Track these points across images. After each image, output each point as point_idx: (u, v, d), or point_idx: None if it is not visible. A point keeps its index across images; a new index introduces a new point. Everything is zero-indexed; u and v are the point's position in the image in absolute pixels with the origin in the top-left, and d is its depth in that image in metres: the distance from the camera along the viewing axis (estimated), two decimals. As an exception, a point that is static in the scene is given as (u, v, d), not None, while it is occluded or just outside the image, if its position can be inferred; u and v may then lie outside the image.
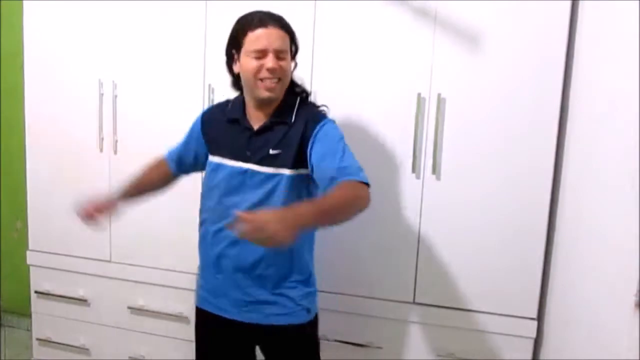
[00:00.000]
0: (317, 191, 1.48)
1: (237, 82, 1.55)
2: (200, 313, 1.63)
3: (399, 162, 1.83)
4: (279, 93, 1.48)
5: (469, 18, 1.73)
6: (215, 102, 1.96)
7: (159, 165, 1.74)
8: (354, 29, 1.83)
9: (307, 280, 1.57)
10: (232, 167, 1.51)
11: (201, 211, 1.61)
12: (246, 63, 1.44)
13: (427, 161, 1.81)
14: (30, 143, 2.23)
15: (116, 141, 2.11)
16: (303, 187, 1.50)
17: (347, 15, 1.83)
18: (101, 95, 2.10)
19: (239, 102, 1.55)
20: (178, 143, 1.72)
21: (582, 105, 1.57)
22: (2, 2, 2.52)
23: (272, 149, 1.47)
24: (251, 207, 1.45)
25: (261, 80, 1.44)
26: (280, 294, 1.52)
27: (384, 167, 1.85)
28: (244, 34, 1.43)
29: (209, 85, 1.96)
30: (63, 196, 2.21)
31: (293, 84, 1.55)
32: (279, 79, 1.45)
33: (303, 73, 1.84)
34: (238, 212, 1.22)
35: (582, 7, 1.64)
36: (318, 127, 1.45)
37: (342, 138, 1.46)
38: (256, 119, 1.51)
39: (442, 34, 1.75)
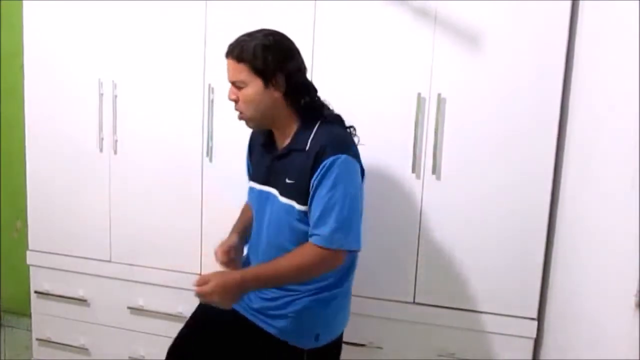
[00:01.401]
0: None
1: None
2: None
3: (399, 162, 1.83)
4: (253, 124, 1.46)
5: (469, 18, 1.73)
6: (215, 102, 1.97)
7: (248, 207, 1.69)
8: (354, 29, 1.83)
9: (329, 302, 1.47)
10: (260, 191, 1.52)
11: None
12: None
13: (427, 161, 1.81)
14: (30, 143, 2.23)
15: (116, 141, 2.11)
16: None
17: (347, 15, 1.83)
18: (101, 95, 2.10)
19: None
20: None
21: (582, 105, 1.57)
22: (2, 2, 2.52)
23: (289, 179, 1.42)
24: (272, 234, 1.47)
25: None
26: (293, 310, 1.46)
27: (384, 167, 1.85)
28: None
29: (209, 85, 1.96)
30: (63, 196, 2.21)
31: (305, 105, 1.45)
32: (243, 110, 1.43)
33: (303, 73, 1.85)
34: (193, 281, 1.35)
35: (582, 7, 1.64)
36: (322, 166, 1.36)
37: (340, 186, 1.35)
38: (281, 142, 1.48)
39: (442, 34, 1.75)
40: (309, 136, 1.41)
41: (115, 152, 2.12)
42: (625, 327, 1.03)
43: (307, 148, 1.40)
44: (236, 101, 1.43)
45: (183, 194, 2.06)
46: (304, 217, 1.42)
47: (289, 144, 1.44)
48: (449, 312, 1.86)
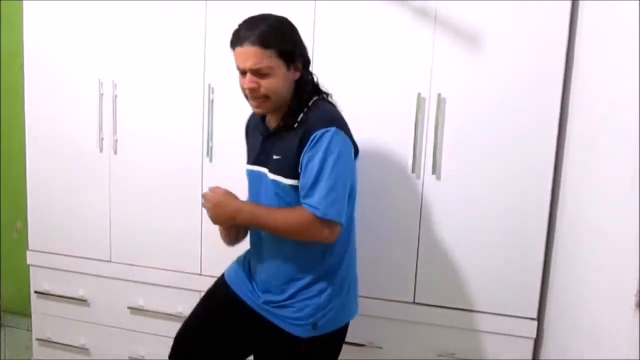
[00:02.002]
0: None
1: None
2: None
3: (399, 162, 1.83)
4: (272, 108, 1.43)
5: (469, 18, 1.73)
6: (215, 102, 1.97)
7: None
8: (354, 29, 1.83)
9: (323, 290, 1.47)
10: (252, 171, 1.53)
11: None
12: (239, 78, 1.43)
13: (427, 161, 1.81)
14: (30, 143, 2.23)
15: (116, 141, 2.11)
16: None
17: (347, 15, 1.83)
18: (101, 95, 2.10)
19: None
20: None
21: (582, 104, 1.57)
22: (2, 2, 2.52)
23: (275, 154, 1.44)
24: None
25: (248, 97, 1.43)
26: (293, 296, 1.48)
27: (384, 167, 1.84)
28: (233, 50, 1.41)
29: (209, 85, 1.96)
30: (63, 196, 2.21)
31: (302, 88, 1.45)
32: (266, 97, 1.40)
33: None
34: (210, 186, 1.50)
35: (582, 7, 1.64)
36: (313, 138, 1.36)
37: (334, 155, 1.35)
38: (273, 122, 1.49)
39: (442, 34, 1.75)
40: (300, 114, 1.42)
41: (115, 152, 2.12)
42: (625, 327, 1.03)
43: (296, 125, 1.41)
44: (255, 89, 1.39)
45: (183, 194, 2.06)
46: (291, 191, 1.42)
47: (280, 122, 1.45)
48: (449, 312, 1.86)
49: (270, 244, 1.51)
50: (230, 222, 1.47)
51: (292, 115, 1.43)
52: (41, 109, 2.20)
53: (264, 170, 1.47)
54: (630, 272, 1.03)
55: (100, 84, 2.10)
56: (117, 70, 2.08)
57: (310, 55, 1.83)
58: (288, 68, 1.40)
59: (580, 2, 1.65)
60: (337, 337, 1.55)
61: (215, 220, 1.48)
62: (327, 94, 1.51)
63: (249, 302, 1.57)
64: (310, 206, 1.36)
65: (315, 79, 1.50)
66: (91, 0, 2.06)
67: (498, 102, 1.75)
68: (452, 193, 1.81)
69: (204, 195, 1.49)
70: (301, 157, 1.38)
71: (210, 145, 1.99)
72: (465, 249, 1.83)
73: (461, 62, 1.75)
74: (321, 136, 1.35)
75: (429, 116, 1.79)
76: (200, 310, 1.67)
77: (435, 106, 1.77)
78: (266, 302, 1.52)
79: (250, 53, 1.35)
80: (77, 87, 2.13)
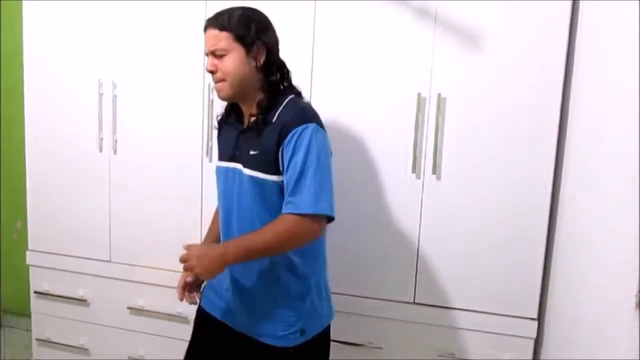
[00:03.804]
0: None
1: None
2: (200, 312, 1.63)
3: (399, 162, 1.83)
4: (232, 93, 1.44)
5: (469, 18, 1.73)
6: (215, 102, 1.97)
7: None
8: (354, 29, 1.83)
9: (305, 295, 1.47)
10: (225, 168, 1.50)
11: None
12: None
13: (427, 161, 1.81)
14: (30, 143, 2.23)
15: (116, 141, 2.11)
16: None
17: (347, 16, 1.83)
18: (101, 95, 2.10)
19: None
20: None
21: (583, 105, 1.57)
22: (2, 2, 2.52)
23: (252, 150, 1.41)
24: (242, 209, 1.45)
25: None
26: (273, 312, 1.46)
27: (384, 167, 1.84)
28: None
29: (209, 85, 1.96)
30: (63, 196, 2.21)
31: (269, 77, 1.44)
32: (223, 79, 1.42)
33: (303, 73, 1.84)
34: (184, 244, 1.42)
35: (582, 7, 1.64)
36: (291, 134, 1.36)
37: (313, 153, 1.34)
38: (247, 117, 1.48)
39: (442, 34, 1.75)
40: (277, 110, 1.41)
41: (115, 152, 2.12)
42: (625, 327, 1.03)
43: (274, 120, 1.40)
44: (214, 72, 1.43)
45: (183, 194, 2.06)
46: (275, 189, 1.40)
47: (256, 117, 1.43)
48: (449, 312, 1.86)
49: (246, 229, 1.45)
50: (223, 265, 1.37)
51: (268, 110, 1.42)
52: (41, 109, 2.20)
53: (239, 166, 1.44)
54: (630, 272, 1.03)
55: (100, 84, 2.10)
56: (117, 70, 2.08)
57: (310, 55, 1.84)
58: (247, 52, 1.41)
59: (580, 2, 1.65)
60: (324, 338, 1.54)
61: (207, 271, 1.37)
62: (300, 93, 1.51)
63: (229, 324, 1.54)
64: (293, 204, 1.34)
65: (289, 76, 1.50)
66: (91, 0, 2.06)
67: (498, 102, 1.75)
68: (452, 193, 1.81)
69: (181, 259, 1.41)
70: (280, 152, 1.37)
71: (210, 145, 1.99)
72: (465, 248, 1.83)
73: (461, 62, 1.75)
74: (302, 132, 1.35)
75: (429, 116, 1.79)
76: (191, 349, 1.63)
77: (435, 106, 1.77)
78: (247, 319, 1.49)
79: (211, 36, 1.42)
80: (76, 87, 2.13)
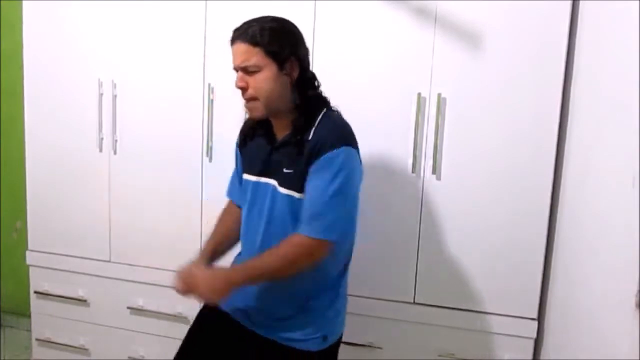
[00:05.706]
0: None
1: None
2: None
3: (399, 162, 1.83)
4: (265, 111, 1.37)
5: (469, 18, 1.73)
6: (215, 102, 1.97)
7: (228, 209, 1.61)
8: (354, 29, 1.83)
9: (333, 302, 1.45)
10: (256, 182, 1.45)
11: None
12: None
13: (427, 161, 1.81)
14: (30, 143, 2.23)
15: (116, 141, 2.11)
16: None
17: (347, 15, 1.83)
18: (100, 95, 2.10)
19: None
20: (232, 175, 1.62)
21: (583, 104, 1.57)
22: (2, 2, 2.52)
23: (286, 168, 1.37)
24: (274, 226, 1.41)
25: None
26: (301, 314, 1.43)
27: (384, 167, 1.84)
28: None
29: (209, 84, 1.96)
30: (63, 196, 2.21)
31: (305, 93, 1.40)
32: (256, 98, 1.35)
33: (303, 73, 1.84)
34: (177, 270, 1.36)
35: (583, 7, 1.64)
36: (323, 158, 1.31)
37: (341, 178, 1.31)
38: (280, 133, 1.42)
39: (442, 34, 1.75)
40: (312, 126, 1.36)
41: (115, 152, 2.12)
42: (625, 327, 1.03)
43: (309, 137, 1.35)
44: (245, 88, 1.35)
45: (183, 194, 2.06)
46: (302, 203, 1.37)
47: (291, 133, 1.38)
48: (449, 312, 1.86)
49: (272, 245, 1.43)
50: (230, 288, 1.31)
51: (304, 127, 1.37)
52: (41, 109, 2.20)
53: (273, 182, 1.40)
54: (630, 272, 1.03)
55: (100, 84, 2.10)
56: (117, 70, 2.08)
57: (310, 55, 1.83)
58: (280, 69, 1.35)
59: (580, 2, 1.65)
60: (337, 345, 1.53)
61: (214, 294, 1.32)
62: (329, 103, 1.45)
63: (243, 322, 1.49)
64: (303, 225, 1.33)
65: (323, 94, 1.45)
66: (91, 0, 2.06)
67: (498, 102, 1.75)
68: (452, 193, 1.81)
69: (181, 282, 1.35)
70: (309, 170, 1.34)
71: (210, 145, 1.99)
72: (465, 248, 1.83)
73: (461, 62, 1.75)
74: (332, 158, 1.31)
75: (429, 116, 1.79)
76: (189, 346, 1.58)
77: (435, 106, 1.77)
78: (270, 321, 1.46)
79: (241, 50, 1.34)
80: (76, 87, 2.13)
